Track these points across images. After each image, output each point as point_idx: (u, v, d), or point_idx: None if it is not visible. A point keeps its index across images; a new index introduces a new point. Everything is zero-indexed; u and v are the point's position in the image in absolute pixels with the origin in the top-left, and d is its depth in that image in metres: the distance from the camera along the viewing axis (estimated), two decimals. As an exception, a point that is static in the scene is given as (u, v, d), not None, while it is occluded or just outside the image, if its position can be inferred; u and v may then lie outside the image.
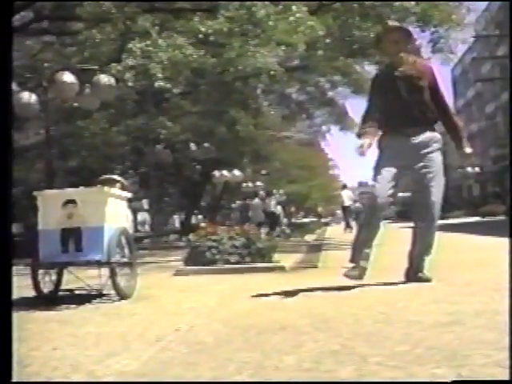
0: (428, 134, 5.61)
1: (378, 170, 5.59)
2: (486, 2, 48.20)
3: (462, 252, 9.53)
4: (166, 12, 17.73)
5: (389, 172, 5.50)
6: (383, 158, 5.65)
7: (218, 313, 4.77)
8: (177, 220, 41.39)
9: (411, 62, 5.75)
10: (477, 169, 51.73)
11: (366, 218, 5.63)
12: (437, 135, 5.67)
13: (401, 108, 5.57)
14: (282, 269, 8.16)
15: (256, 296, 5.52)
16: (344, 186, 30.05)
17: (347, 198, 27.77)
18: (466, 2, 16.56)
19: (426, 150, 5.55)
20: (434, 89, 5.69)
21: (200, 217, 39.13)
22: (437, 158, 5.63)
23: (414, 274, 5.67)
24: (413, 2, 15.18)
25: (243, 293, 5.83)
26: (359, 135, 5.67)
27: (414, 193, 5.78)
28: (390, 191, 5.50)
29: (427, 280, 5.54)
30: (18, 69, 17.00)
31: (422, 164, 5.55)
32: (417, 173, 5.58)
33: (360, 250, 5.50)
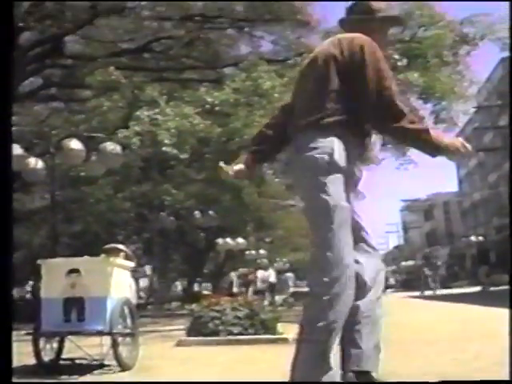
0: None
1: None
2: (488, 73, 49.06)
3: (466, 323, 9.44)
4: (174, 82, 18.11)
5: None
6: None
7: (220, 387, 4.72)
8: (179, 286, 41.17)
9: None
10: (480, 238, 51.65)
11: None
12: None
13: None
14: (285, 341, 8.08)
15: (258, 369, 5.45)
16: None
17: None
18: (469, 75, 16.70)
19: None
20: None
21: (204, 284, 38.97)
22: None
23: None
24: (415, 75, 15.42)
25: (245, 365, 5.76)
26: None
27: None
28: None
29: None
30: (26, 134, 17.26)
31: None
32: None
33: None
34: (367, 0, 3.58)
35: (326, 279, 3.13)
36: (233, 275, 30.69)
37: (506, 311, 10.15)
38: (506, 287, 32.39)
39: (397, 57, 15.01)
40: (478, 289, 35.57)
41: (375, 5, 3.56)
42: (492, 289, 33.56)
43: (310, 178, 3.27)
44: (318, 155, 3.24)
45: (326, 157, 3.23)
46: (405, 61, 15.16)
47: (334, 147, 3.25)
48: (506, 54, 21.04)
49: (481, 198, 61.74)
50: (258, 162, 3.78)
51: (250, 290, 26.40)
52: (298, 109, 3.48)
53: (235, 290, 27.50)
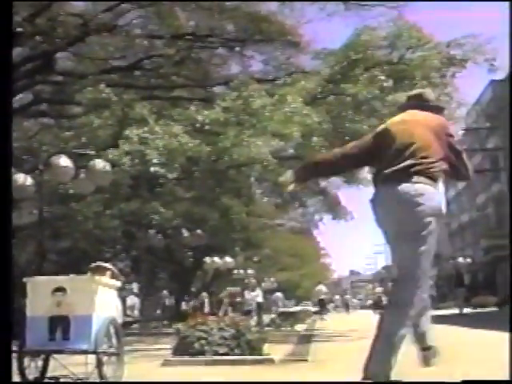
0: None
1: None
2: (476, 95, 49.30)
3: (456, 346, 9.38)
4: (164, 100, 18.13)
5: None
6: None
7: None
8: (166, 304, 40.94)
9: None
10: (468, 259, 51.71)
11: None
12: None
13: None
14: (271, 361, 8.05)
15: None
16: (318, 282, 39.42)
17: (319, 292, 36.17)
18: (457, 97, 16.74)
19: None
20: None
21: (191, 303, 38.85)
22: None
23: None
24: (404, 97, 15.50)
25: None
26: None
27: None
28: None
29: None
30: (15, 150, 17.19)
31: None
32: None
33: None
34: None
35: None
36: (204, 295, 30.91)
37: (493, 333, 10.14)
38: (493, 309, 32.48)
39: (383, 78, 15.11)
40: (465, 310, 35.58)
41: (429, 96, 4.84)
42: (479, 310, 33.60)
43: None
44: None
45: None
46: (390, 82, 15.25)
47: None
48: (494, 76, 21.17)
49: (469, 220, 61.90)
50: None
51: (221, 310, 26.39)
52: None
53: (206, 309, 27.76)
